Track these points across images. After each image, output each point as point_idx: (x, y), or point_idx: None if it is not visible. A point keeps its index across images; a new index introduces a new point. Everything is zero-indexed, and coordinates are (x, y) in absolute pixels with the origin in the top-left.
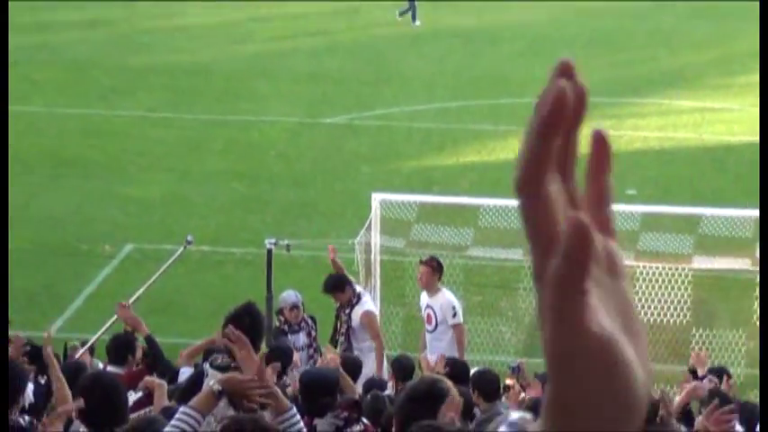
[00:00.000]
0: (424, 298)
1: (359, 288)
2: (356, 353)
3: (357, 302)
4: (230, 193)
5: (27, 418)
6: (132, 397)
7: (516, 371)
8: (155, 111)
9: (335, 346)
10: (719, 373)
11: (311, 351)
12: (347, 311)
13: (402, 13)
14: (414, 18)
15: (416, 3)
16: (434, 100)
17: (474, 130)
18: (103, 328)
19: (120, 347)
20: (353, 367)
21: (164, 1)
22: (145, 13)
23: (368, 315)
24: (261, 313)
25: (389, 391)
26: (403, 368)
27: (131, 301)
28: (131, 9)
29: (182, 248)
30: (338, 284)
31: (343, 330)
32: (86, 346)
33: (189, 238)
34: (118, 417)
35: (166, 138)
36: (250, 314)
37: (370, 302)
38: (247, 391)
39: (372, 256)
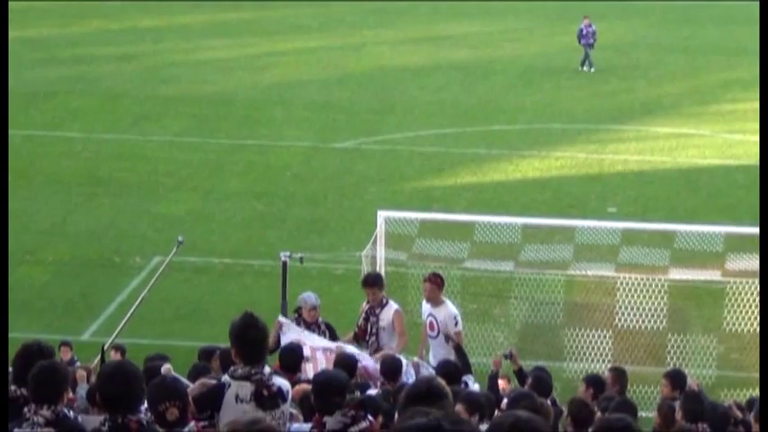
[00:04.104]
0: (427, 307)
1: None
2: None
3: (386, 304)
4: (249, 210)
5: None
6: None
7: (509, 357)
8: (181, 136)
9: (366, 347)
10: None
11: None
12: (377, 312)
13: (582, 63)
14: (590, 65)
15: (590, 52)
16: (434, 127)
17: (470, 153)
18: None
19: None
20: (348, 364)
21: (189, 36)
22: (172, 47)
23: (399, 313)
24: (262, 322)
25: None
26: (391, 368)
27: (139, 300)
28: (160, 44)
29: (175, 248)
30: (379, 280)
31: (374, 331)
32: (107, 344)
33: (180, 238)
34: (133, 404)
35: (192, 160)
36: (255, 326)
37: (395, 304)
38: None
39: (378, 268)
